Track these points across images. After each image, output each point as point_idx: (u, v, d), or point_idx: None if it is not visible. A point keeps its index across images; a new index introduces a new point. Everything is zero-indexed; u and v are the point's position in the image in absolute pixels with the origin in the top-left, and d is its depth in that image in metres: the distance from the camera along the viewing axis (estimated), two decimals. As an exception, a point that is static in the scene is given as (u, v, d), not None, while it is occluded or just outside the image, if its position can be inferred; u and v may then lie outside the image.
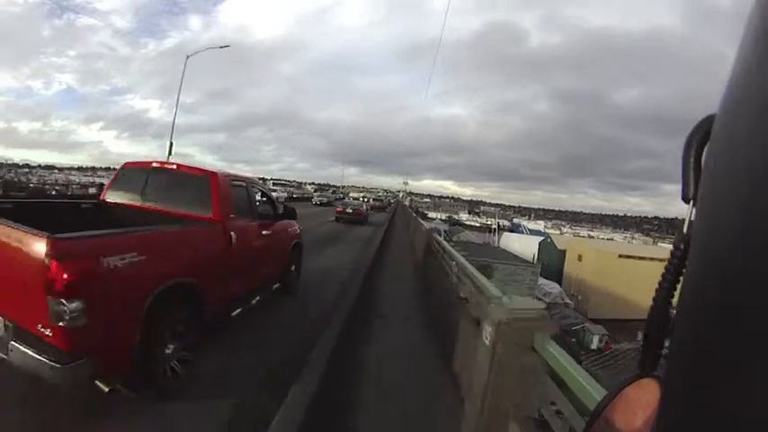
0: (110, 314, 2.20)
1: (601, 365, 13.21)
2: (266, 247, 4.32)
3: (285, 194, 34.23)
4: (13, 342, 2.16)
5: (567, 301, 19.45)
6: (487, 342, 2.04)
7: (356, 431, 2.53)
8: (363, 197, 55.86)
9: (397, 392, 3.04)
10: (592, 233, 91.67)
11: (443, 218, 77.86)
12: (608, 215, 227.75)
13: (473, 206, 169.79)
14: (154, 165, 3.90)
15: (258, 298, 4.07)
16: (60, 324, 2.01)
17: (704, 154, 0.31)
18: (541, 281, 18.61)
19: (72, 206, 3.86)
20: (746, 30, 0.23)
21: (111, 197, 3.93)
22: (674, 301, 0.32)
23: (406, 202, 65.42)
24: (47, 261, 1.97)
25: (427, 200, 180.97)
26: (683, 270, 0.32)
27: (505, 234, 33.80)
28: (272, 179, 59.82)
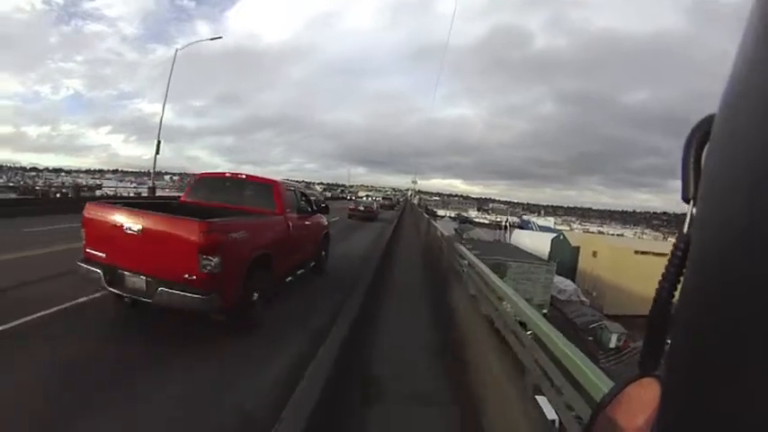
0: (231, 269, 3.59)
1: (621, 363, 13.27)
2: (308, 233, 5.78)
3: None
4: (162, 288, 3.54)
5: (583, 298, 19.30)
6: None
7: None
8: (367, 195, 56.82)
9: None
10: (602, 229, 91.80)
11: (453, 215, 78.60)
12: (617, 211, 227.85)
13: (482, 204, 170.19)
14: (227, 175, 5.33)
15: (302, 271, 5.52)
16: (205, 271, 3.40)
17: (704, 154, 0.31)
18: (556, 278, 17.92)
19: (168, 205, 5.28)
20: (746, 29, 0.23)
21: (191, 198, 5.32)
22: (675, 300, 0.32)
23: (415, 201, 64.52)
24: (200, 234, 3.36)
25: (436, 198, 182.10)
26: (684, 270, 0.31)
27: (516, 231, 32.38)
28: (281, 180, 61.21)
